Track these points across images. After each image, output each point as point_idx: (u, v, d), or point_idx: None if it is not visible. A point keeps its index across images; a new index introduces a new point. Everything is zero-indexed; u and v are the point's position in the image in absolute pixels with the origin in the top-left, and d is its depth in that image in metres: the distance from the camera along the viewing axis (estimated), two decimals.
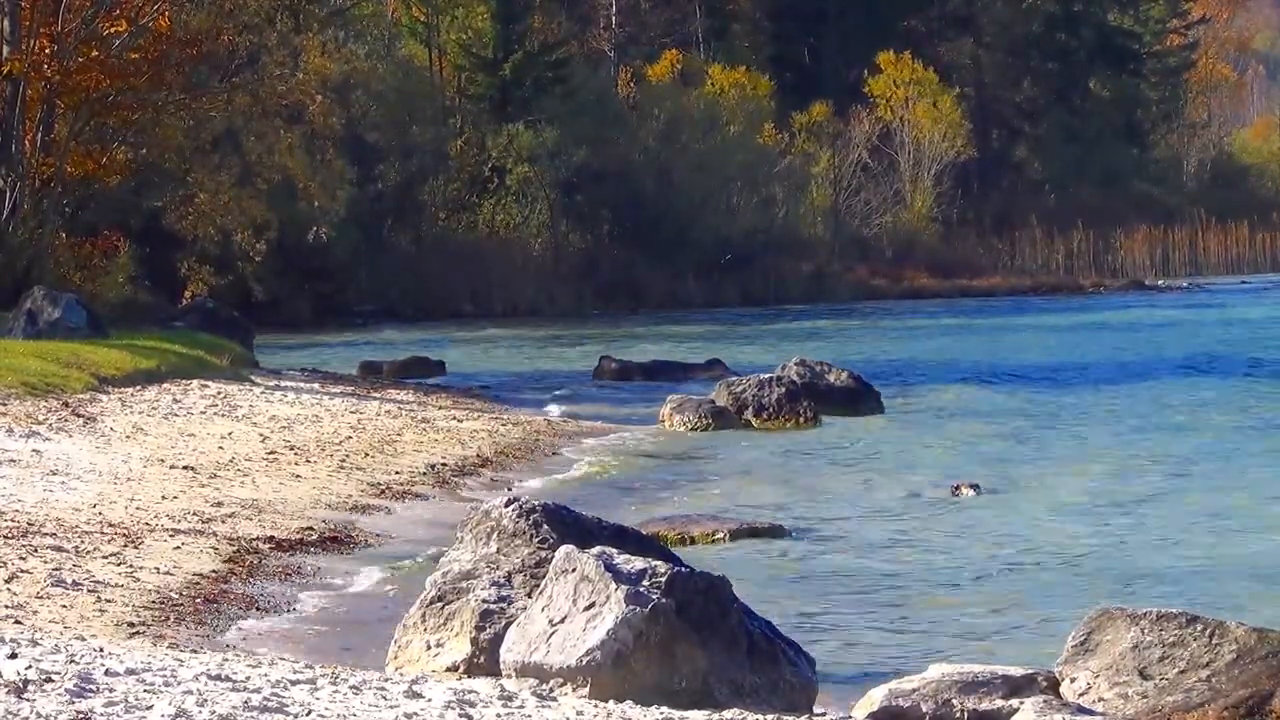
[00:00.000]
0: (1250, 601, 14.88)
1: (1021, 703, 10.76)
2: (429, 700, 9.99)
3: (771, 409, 30.60)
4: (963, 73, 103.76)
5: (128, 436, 23.16)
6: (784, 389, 30.92)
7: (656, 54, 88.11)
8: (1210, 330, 55.25)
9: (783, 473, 24.64)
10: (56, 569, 14.26)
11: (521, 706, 10.11)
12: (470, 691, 10.41)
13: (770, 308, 75.56)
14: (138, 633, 12.69)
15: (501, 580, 12.09)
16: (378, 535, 18.08)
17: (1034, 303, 79.42)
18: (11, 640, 10.97)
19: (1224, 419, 30.52)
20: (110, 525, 16.48)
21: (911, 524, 19.85)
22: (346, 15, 74.40)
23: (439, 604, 12.02)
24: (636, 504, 21.17)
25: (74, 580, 13.94)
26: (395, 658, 12.00)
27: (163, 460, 21.26)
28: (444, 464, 23.62)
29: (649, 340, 54.21)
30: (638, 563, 11.20)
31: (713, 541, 18.31)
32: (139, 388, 28.59)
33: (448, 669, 11.67)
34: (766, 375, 31.63)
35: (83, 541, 15.50)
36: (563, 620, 11.03)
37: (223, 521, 17.44)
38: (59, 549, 15.04)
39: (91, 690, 9.42)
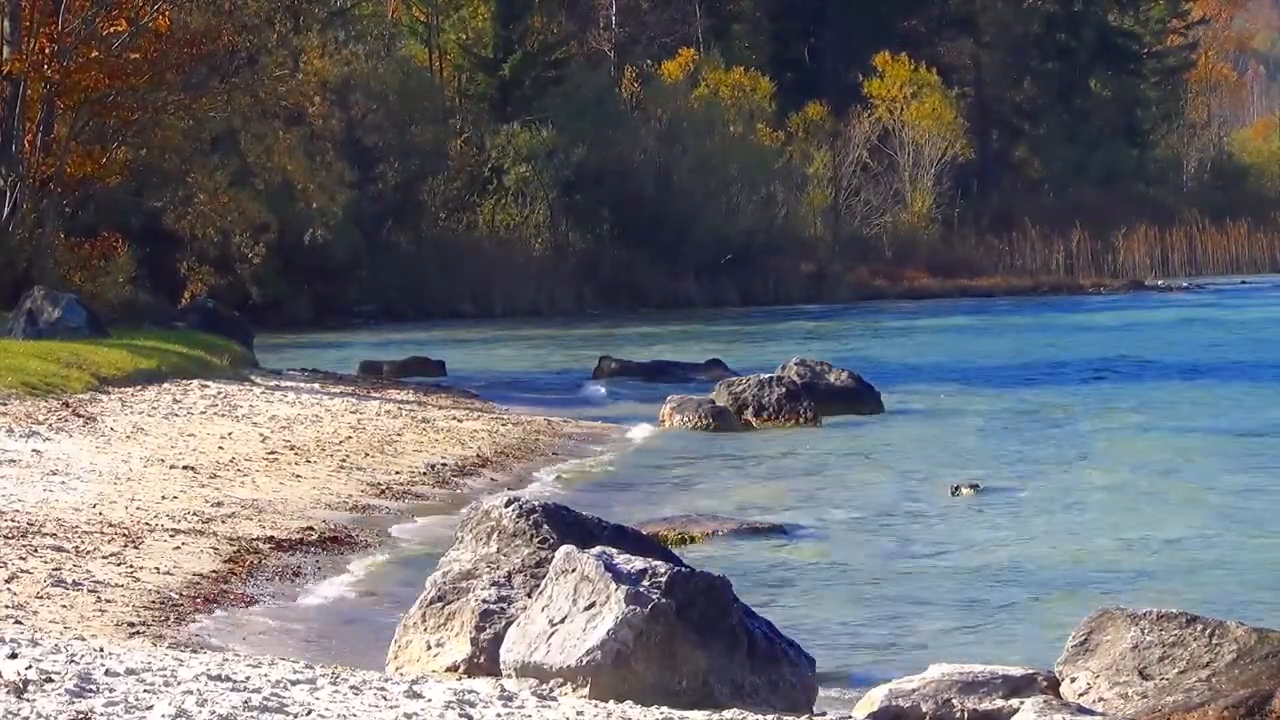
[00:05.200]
0: (1250, 601, 14.88)
1: (1021, 703, 10.76)
2: (429, 700, 9.98)
3: (771, 409, 30.60)
4: (963, 73, 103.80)
5: (128, 436, 23.16)
6: (784, 389, 30.92)
7: (669, 52, 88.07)
8: (1211, 330, 55.24)
9: (783, 473, 24.64)
10: (56, 569, 14.25)
11: (521, 706, 10.11)
12: (470, 691, 10.41)
13: (770, 308, 75.54)
14: (138, 633, 12.68)
15: (501, 580, 12.09)
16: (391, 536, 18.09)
17: (1034, 303, 79.42)
18: (11, 640, 10.97)
19: (1225, 419, 30.52)
20: (110, 525, 16.48)
21: (911, 524, 19.84)
22: (346, 15, 74.40)
23: (439, 604, 12.02)
24: (636, 504, 21.16)
25: (74, 580, 13.94)
26: (395, 658, 12.00)
27: (163, 460, 21.26)
28: (444, 464, 23.61)
29: (649, 340, 54.20)
30: (638, 563, 11.20)
31: (713, 542, 18.31)
32: (139, 388, 28.59)
33: (448, 669, 11.67)
34: (766, 375, 31.63)
35: (83, 541, 15.49)
36: (563, 620, 11.03)
37: (223, 521, 17.44)
38: (59, 549, 15.04)
39: (91, 690, 9.42)
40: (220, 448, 22.95)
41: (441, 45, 79.81)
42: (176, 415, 26.00)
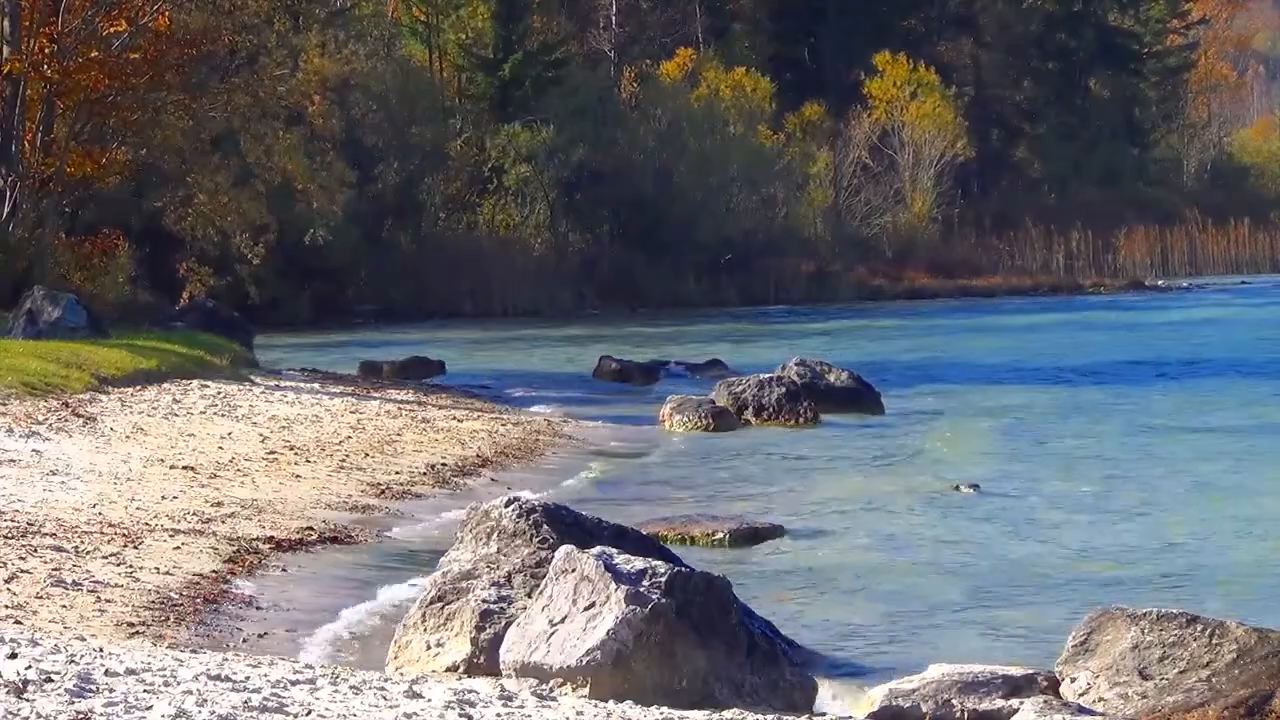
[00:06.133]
0: (1250, 602, 14.88)
1: (1021, 703, 10.76)
2: (429, 700, 9.98)
3: (771, 409, 30.61)
4: (962, 72, 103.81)
5: (128, 436, 23.16)
6: (784, 389, 30.93)
7: (669, 52, 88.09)
8: (1211, 330, 55.23)
9: (783, 473, 24.63)
10: (56, 569, 14.25)
11: (521, 706, 10.11)
12: (470, 691, 10.41)
13: (770, 308, 75.55)
14: (138, 633, 12.68)
15: (501, 580, 12.09)
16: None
17: (1034, 303, 79.42)
18: (11, 640, 10.96)
19: (1226, 419, 30.50)
20: (110, 525, 16.47)
21: (911, 524, 19.84)
22: (346, 15, 74.39)
23: (439, 604, 12.02)
24: (636, 504, 21.15)
25: (74, 580, 13.93)
26: (395, 658, 12.00)
27: (163, 460, 21.25)
28: (444, 464, 23.61)
29: (649, 340, 54.19)
30: (638, 563, 11.20)
31: (713, 542, 18.31)
32: (139, 388, 28.59)
33: (448, 669, 11.67)
34: (766, 375, 31.63)
35: (83, 541, 15.49)
36: (563, 620, 11.03)
37: (222, 521, 17.43)
38: (59, 549, 15.03)
39: (91, 690, 9.42)
40: (220, 448, 22.94)
41: (441, 45, 79.81)
42: (176, 415, 25.99)
